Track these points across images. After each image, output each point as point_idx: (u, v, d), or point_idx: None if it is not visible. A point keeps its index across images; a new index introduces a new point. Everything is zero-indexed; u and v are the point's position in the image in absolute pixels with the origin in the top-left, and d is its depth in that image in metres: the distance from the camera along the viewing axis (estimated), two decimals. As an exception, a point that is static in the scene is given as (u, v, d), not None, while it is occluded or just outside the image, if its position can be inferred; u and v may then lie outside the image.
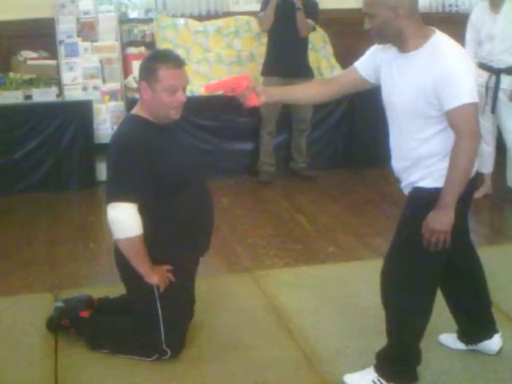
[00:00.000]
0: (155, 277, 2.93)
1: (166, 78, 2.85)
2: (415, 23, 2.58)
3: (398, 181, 2.85)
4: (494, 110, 5.07)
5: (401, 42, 2.61)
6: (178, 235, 2.98)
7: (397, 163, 2.80)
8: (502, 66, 4.93)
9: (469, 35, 5.08)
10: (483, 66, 5.02)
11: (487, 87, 5.03)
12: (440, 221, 2.57)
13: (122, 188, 2.83)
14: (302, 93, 3.02)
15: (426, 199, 2.65)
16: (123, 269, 3.04)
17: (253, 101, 2.84)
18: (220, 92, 2.91)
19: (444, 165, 2.59)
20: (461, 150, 2.53)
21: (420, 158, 2.66)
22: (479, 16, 5.04)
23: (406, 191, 2.80)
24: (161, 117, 2.95)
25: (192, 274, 3.20)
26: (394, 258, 2.79)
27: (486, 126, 5.19)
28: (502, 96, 5.00)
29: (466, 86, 2.50)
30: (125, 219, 2.82)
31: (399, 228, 2.79)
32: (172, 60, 2.91)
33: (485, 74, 5.01)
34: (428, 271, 2.73)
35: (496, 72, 4.98)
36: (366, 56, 2.85)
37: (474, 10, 5.24)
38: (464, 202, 2.65)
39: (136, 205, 2.81)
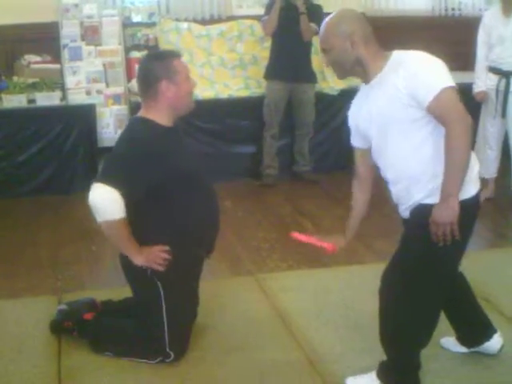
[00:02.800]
0: (140, 258, 2.91)
1: (181, 68, 2.94)
2: (372, 48, 2.60)
3: (396, 206, 2.79)
4: (504, 114, 5.08)
5: (362, 69, 2.62)
6: (183, 237, 2.99)
7: (396, 186, 2.70)
8: None
9: (480, 38, 5.13)
10: (493, 70, 5.06)
11: (497, 90, 5.05)
12: (444, 213, 2.47)
13: (111, 173, 2.83)
14: (361, 211, 3.00)
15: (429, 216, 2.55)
16: (128, 269, 3.05)
17: (331, 249, 2.99)
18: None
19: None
20: (453, 136, 2.43)
21: (417, 172, 2.58)
22: (491, 19, 5.09)
23: (406, 214, 2.72)
24: (183, 109, 2.98)
25: (197, 275, 3.20)
26: (398, 280, 2.70)
27: (492, 131, 5.21)
28: (511, 99, 5.01)
29: (436, 74, 2.48)
30: (104, 202, 2.78)
31: (405, 248, 2.71)
32: (174, 52, 3.08)
33: (495, 78, 5.04)
34: (435, 292, 2.68)
35: (506, 75, 5.00)
36: (351, 130, 2.87)
37: (486, 13, 5.30)
38: (464, 228, 2.57)
39: (118, 191, 2.76)
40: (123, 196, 2.78)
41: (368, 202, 2.97)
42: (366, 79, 2.65)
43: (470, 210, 2.59)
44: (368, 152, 2.82)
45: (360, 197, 2.97)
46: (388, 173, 2.73)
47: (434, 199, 2.54)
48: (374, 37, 2.64)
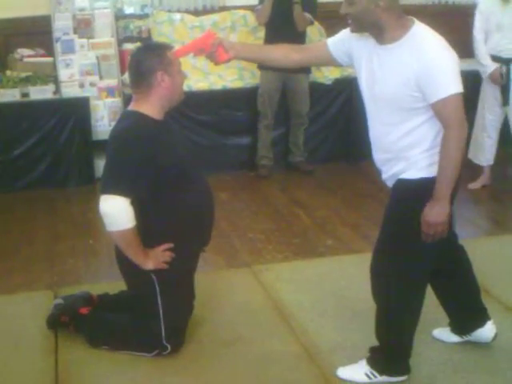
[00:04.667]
0: (150, 263, 2.93)
1: (174, 59, 2.94)
2: (394, 14, 2.54)
3: (378, 172, 2.83)
4: (506, 102, 5.07)
5: (378, 32, 2.57)
6: (178, 229, 2.98)
7: (378, 155, 2.77)
8: None
9: (478, 24, 5.08)
10: (492, 58, 5.04)
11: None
12: (437, 213, 2.56)
13: (116, 181, 2.83)
14: (269, 54, 3.01)
15: (412, 191, 2.64)
16: (123, 263, 3.04)
17: (222, 56, 2.85)
18: (191, 54, 2.96)
19: (427, 154, 2.59)
20: (450, 140, 2.51)
21: (402, 149, 2.63)
22: (488, 5, 5.05)
23: (390, 183, 2.77)
24: (175, 100, 2.99)
25: (192, 268, 3.20)
26: (382, 254, 2.78)
27: (491, 119, 5.21)
28: None
29: (450, 77, 2.48)
30: (117, 212, 2.81)
31: (387, 223, 2.76)
32: (167, 44, 3.06)
33: (494, 65, 5.02)
34: (417, 266, 2.72)
35: (506, 62, 4.99)
36: (340, 38, 2.80)
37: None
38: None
39: (129, 198, 2.80)
40: (132, 193, 2.81)
41: (283, 62, 2.97)
42: (380, 41, 2.59)
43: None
44: (327, 60, 2.88)
45: (288, 51, 2.95)
46: (374, 138, 2.76)
47: (411, 173, 2.62)
48: (398, 1, 2.58)
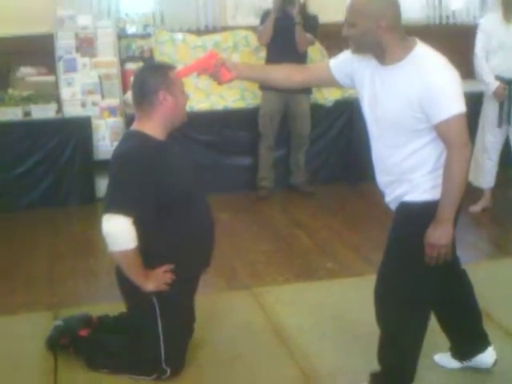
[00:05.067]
0: (150, 284, 2.92)
1: (177, 79, 2.94)
2: (397, 35, 2.54)
3: (380, 194, 2.83)
4: (509, 121, 5.07)
5: (380, 53, 2.57)
6: (179, 251, 2.97)
7: (381, 177, 2.77)
8: None
9: (479, 43, 5.07)
10: (495, 78, 5.02)
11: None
12: (440, 235, 2.55)
13: (119, 201, 2.82)
14: (271, 74, 3.02)
15: (415, 214, 2.63)
16: (124, 285, 3.03)
17: (225, 76, 2.87)
18: (194, 74, 2.96)
19: (430, 176, 2.59)
20: (454, 162, 2.51)
21: (405, 171, 2.63)
22: (490, 24, 5.06)
23: (393, 206, 2.76)
24: (178, 121, 2.99)
25: (193, 291, 3.19)
26: (386, 277, 2.76)
27: (492, 141, 5.19)
28: None
29: (453, 97, 2.48)
30: (119, 232, 2.80)
31: (390, 246, 2.75)
32: (169, 64, 3.09)
33: (497, 82, 5.00)
34: (422, 289, 2.71)
35: (509, 82, 4.99)
36: (342, 59, 2.80)
37: (485, 17, 5.30)
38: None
39: (131, 218, 2.80)
40: (134, 213, 2.80)
41: (285, 83, 2.98)
42: (383, 62, 2.59)
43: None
44: (329, 81, 2.88)
45: (290, 71, 2.97)
46: (376, 160, 2.76)
47: (415, 196, 2.62)
48: (400, 21, 2.57)
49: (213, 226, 3.14)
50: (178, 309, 3.04)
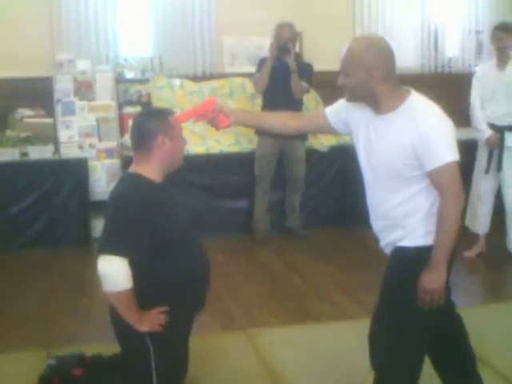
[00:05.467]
0: (144, 325, 2.90)
1: (175, 124, 2.97)
2: (390, 85, 2.58)
3: (375, 239, 2.85)
4: (499, 168, 5.13)
5: (374, 102, 2.61)
6: (173, 293, 2.97)
7: (376, 222, 2.80)
8: (506, 123, 5.03)
9: (474, 91, 5.17)
10: (487, 125, 5.10)
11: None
12: (433, 280, 2.58)
13: (115, 241, 2.82)
14: (268, 120, 3.07)
15: (409, 259, 2.65)
16: (117, 324, 3.02)
17: (223, 122, 2.92)
18: (192, 120, 3.00)
19: (424, 222, 2.62)
20: (447, 209, 2.54)
21: (399, 217, 2.66)
22: (485, 72, 5.18)
23: (387, 250, 2.78)
24: (174, 165, 3.01)
25: (187, 331, 3.18)
26: (380, 321, 2.77)
27: (486, 187, 5.24)
28: (506, 154, 5.07)
29: (446, 146, 2.52)
30: (114, 272, 2.79)
31: (384, 291, 2.76)
32: (168, 109, 3.12)
33: (490, 131, 5.08)
34: (416, 334, 2.71)
35: (500, 130, 5.06)
36: (337, 107, 2.85)
37: (480, 66, 5.42)
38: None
39: (127, 259, 2.80)
40: (130, 253, 2.79)
41: (282, 129, 3.04)
42: (377, 111, 2.63)
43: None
44: (325, 128, 2.93)
45: (287, 118, 3.02)
46: (371, 205, 2.79)
47: (408, 241, 2.64)
48: (395, 72, 2.61)
49: (208, 267, 3.14)
50: (171, 350, 3.02)
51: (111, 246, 2.81)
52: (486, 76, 5.14)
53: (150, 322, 2.91)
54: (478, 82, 5.16)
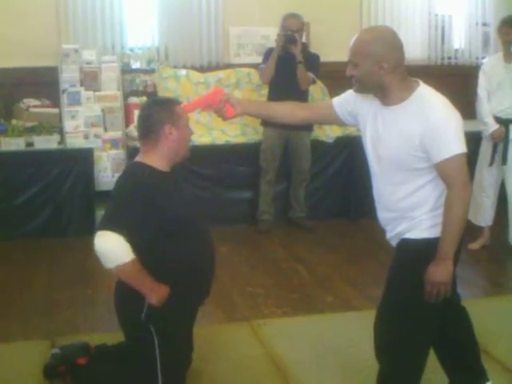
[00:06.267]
0: (154, 297, 2.88)
1: (182, 114, 2.98)
2: (399, 76, 2.58)
3: (380, 231, 2.85)
4: (504, 161, 5.12)
5: (382, 94, 2.61)
6: (178, 281, 2.97)
7: (382, 214, 2.79)
8: (511, 116, 5.02)
9: (481, 83, 5.15)
10: (493, 118, 5.10)
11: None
12: (440, 273, 2.57)
13: (112, 218, 2.82)
14: (275, 110, 3.06)
15: (415, 251, 2.65)
16: (122, 313, 3.03)
17: (229, 112, 2.92)
18: (198, 110, 3.00)
19: (431, 214, 2.61)
20: (454, 201, 2.54)
21: (406, 209, 2.65)
22: (491, 64, 5.19)
23: (394, 242, 2.78)
24: (181, 154, 3.02)
25: (191, 321, 3.19)
26: (385, 313, 2.77)
27: (489, 179, 5.24)
28: (511, 148, 5.06)
29: (454, 137, 2.51)
30: (110, 249, 2.78)
31: (390, 283, 2.76)
32: (175, 99, 3.14)
33: (496, 125, 5.08)
34: (421, 326, 2.71)
35: (505, 123, 5.06)
36: (345, 98, 2.84)
37: (487, 59, 5.45)
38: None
39: (122, 235, 2.76)
40: (126, 231, 2.78)
41: (289, 119, 3.02)
42: (385, 102, 2.63)
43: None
44: (332, 119, 2.92)
45: (294, 108, 3.02)
46: (378, 197, 2.79)
47: (415, 233, 2.64)
48: (403, 63, 2.60)
49: (213, 258, 3.14)
50: (175, 338, 3.03)
51: (106, 223, 2.81)
52: (492, 69, 5.13)
53: (160, 296, 2.90)
54: (485, 75, 5.14)
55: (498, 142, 5.10)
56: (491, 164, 5.17)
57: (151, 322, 2.95)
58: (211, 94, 2.97)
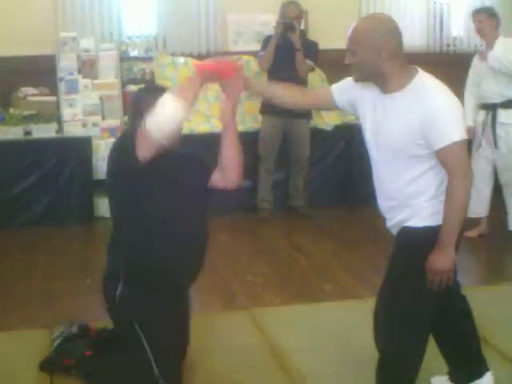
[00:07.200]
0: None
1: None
2: (397, 64, 2.56)
3: (380, 219, 2.84)
4: (496, 145, 5.12)
5: (381, 81, 2.60)
6: (167, 248, 2.95)
7: (383, 203, 2.78)
8: (498, 100, 5.05)
9: (469, 81, 5.29)
10: (482, 106, 5.18)
11: (485, 124, 5.14)
12: (442, 261, 2.57)
13: None
14: (276, 92, 3.03)
15: (416, 239, 2.64)
16: (109, 311, 3.07)
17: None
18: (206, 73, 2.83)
19: (431, 202, 2.60)
20: (455, 188, 2.52)
21: (407, 197, 2.64)
22: (476, 58, 5.32)
23: (394, 231, 2.77)
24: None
25: (179, 309, 3.15)
26: (386, 301, 2.76)
27: (483, 167, 5.23)
28: (499, 131, 5.07)
29: (453, 124, 2.50)
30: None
31: (391, 270, 2.76)
32: (165, 87, 3.10)
33: (483, 114, 5.14)
34: (420, 313, 2.71)
35: (492, 108, 5.09)
36: (344, 86, 2.83)
37: (476, 55, 5.40)
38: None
39: None
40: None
41: (289, 103, 3.04)
42: (385, 90, 2.61)
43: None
44: (331, 106, 2.92)
45: (295, 92, 3.02)
46: (378, 185, 2.78)
47: (416, 221, 2.63)
48: (402, 50, 2.59)
49: (205, 228, 3.12)
50: (161, 333, 2.96)
51: None
52: (477, 58, 5.27)
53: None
54: (473, 68, 5.28)
55: (485, 127, 5.16)
56: (477, 149, 5.20)
57: (134, 318, 2.95)
58: (231, 62, 2.87)
